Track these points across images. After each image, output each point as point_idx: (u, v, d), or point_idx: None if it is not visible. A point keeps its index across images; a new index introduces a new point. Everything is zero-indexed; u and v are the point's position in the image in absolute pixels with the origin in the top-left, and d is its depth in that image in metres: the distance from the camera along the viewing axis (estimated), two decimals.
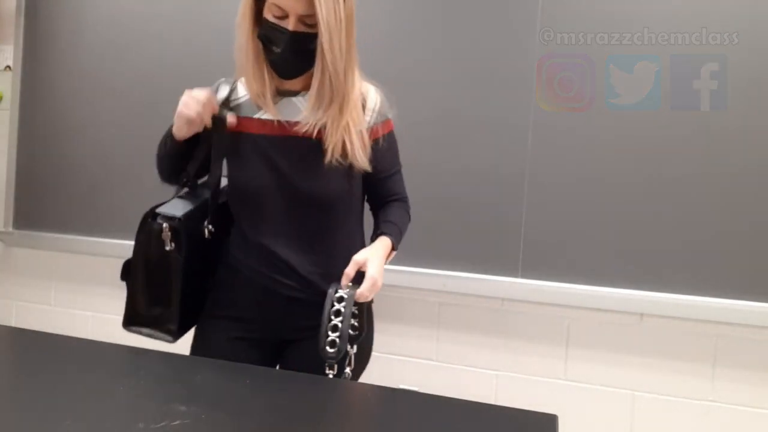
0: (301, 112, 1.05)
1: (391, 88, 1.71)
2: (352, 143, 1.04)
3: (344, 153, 1.04)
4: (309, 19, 0.99)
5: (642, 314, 1.56)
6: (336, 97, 1.03)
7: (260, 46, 1.04)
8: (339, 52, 1.00)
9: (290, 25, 0.99)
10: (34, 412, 0.62)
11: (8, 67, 2.12)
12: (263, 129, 1.08)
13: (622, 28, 1.52)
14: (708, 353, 1.53)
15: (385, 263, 1.05)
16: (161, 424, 0.61)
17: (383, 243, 1.07)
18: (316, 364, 0.91)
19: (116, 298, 2.05)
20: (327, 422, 0.67)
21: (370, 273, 0.97)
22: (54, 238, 2.04)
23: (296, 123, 1.05)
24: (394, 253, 1.10)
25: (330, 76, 1.01)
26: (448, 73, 1.65)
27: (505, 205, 1.61)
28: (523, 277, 1.60)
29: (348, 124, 1.05)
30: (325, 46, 0.98)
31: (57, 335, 0.95)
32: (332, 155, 1.03)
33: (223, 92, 1.14)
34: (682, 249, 1.49)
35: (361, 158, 1.05)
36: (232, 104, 1.12)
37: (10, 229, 2.11)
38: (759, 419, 1.50)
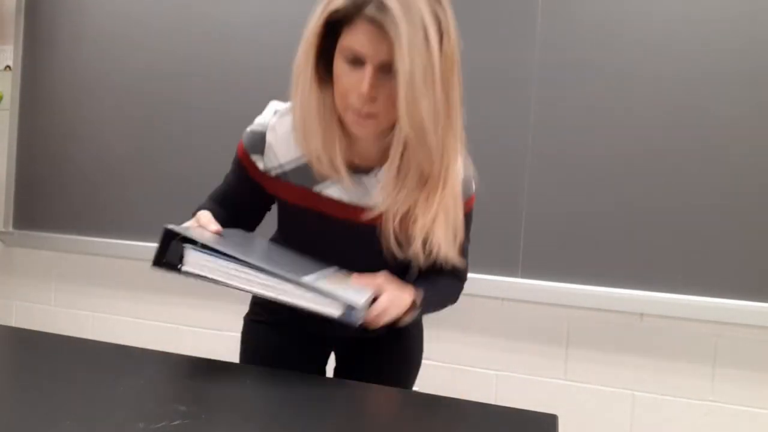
0: (374, 193, 0.83)
1: None
2: (439, 243, 0.81)
3: (428, 252, 0.82)
4: (389, 65, 0.75)
5: (642, 314, 1.56)
6: (422, 177, 0.79)
7: (331, 101, 0.82)
8: (429, 114, 0.74)
9: (366, 77, 0.74)
10: (34, 412, 0.62)
11: (8, 67, 2.12)
12: (323, 206, 0.88)
13: (622, 33, 1.52)
14: (708, 353, 1.53)
15: (398, 315, 0.82)
16: (161, 424, 0.61)
17: (408, 289, 0.85)
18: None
19: (116, 298, 2.07)
20: (327, 422, 0.67)
21: (383, 301, 0.79)
22: (54, 238, 2.04)
23: (366, 207, 0.84)
24: (412, 314, 0.85)
25: (413, 148, 0.77)
26: None
27: (505, 205, 1.61)
28: (523, 277, 1.60)
29: (438, 215, 0.81)
30: (406, 107, 0.73)
31: (57, 335, 0.95)
32: (409, 251, 0.82)
33: (279, 147, 0.90)
34: (682, 249, 1.49)
35: (450, 256, 0.84)
36: (286, 167, 0.89)
37: (10, 229, 2.11)
38: (759, 419, 1.50)
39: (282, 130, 0.91)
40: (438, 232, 0.81)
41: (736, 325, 1.49)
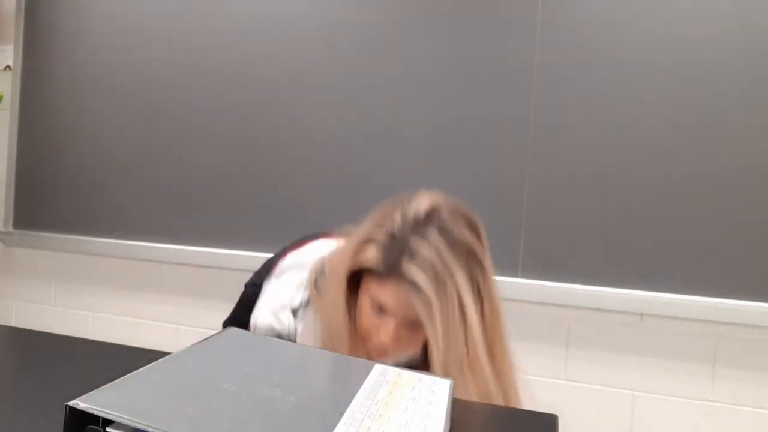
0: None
1: (390, 90, 1.72)
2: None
3: None
4: (417, 324, 0.72)
5: (642, 314, 1.56)
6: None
7: (355, 323, 0.80)
8: (477, 392, 0.71)
9: (389, 332, 0.73)
10: (33, 412, 0.62)
11: (8, 67, 2.12)
12: None
13: (622, 32, 1.52)
14: (708, 353, 1.53)
15: None
16: None
17: None
18: None
19: (116, 298, 2.06)
20: None
21: None
22: (54, 238, 2.04)
23: None
24: None
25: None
26: (448, 74, 1.65)
27: (505, 205, 1.61)
28: (523, 277, 1.60)
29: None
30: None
31: (57, 335, 0.95)
32: None
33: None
34: (682, 249, 1.49)
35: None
36: None
37: (10, 229, 2.11)
38: (759, 419, 1.50)
39: (306, 329, 0.86)
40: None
41: (736, 325, 1.49)
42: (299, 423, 0.50)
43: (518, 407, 0.75)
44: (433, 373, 0.67)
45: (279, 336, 0.86)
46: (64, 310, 2.13)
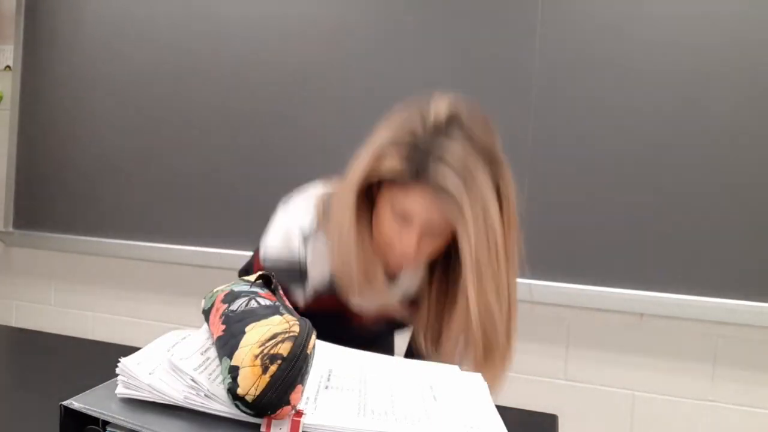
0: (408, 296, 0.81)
1: (390, 89, 1.72)
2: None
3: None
4: (439, 231, 0.73)
5: (642, 314, 1.56)
6: (491, 351, 0.78)
7: (370, 240, 0.79)
8: (494, 293, 0.74)
9: (413, 242, 0.73)
10: (33, 412, 0.62)
11: (8, 67, 2.12)
12: (350, 312, 0.86)
13: (623, 32, 1.52)
14: (708, 353, 1.53)
15: None
16: None
17: None
18: None
19: (116, 298, 2.06)
20: None
21: None
22: (54, 238, 2.04)
23: (394, 310, 0.85)
24: None
25: (482, 334, 0.76)
26: (447, 72, 1.65)
27: None
28: (523, 277, 1.60)
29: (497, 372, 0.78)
30: (476, 296, 0.72)
31: (57, 335, 0.95)
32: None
33: (314, 273, 0.84)
34: (682, 249, 1.49)
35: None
36: (320, 288, 0.86)
37: (10, 229, 2.11)
38: (759, 419, 1.50)
39: (316, 257, 0.85)
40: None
41: (736, 325, 1.49)
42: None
43: (514, 326, 0.80)
44: (464, 273, 0.70)
45: (289, 267, 0.84)
46: (64, 309, 2.13)
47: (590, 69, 1.55)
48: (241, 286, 0.65)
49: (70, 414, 0.53)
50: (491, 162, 0.73)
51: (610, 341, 1.59)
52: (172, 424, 0.50)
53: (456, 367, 0.70)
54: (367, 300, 0.82)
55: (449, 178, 0.69)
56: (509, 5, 1.60)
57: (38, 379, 0.73)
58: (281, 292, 0.68)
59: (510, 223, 0.76)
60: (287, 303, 0.65)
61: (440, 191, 0.70)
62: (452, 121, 0.74)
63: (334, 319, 0.84)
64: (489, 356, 0.77)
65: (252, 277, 0.69)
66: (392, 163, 0.73)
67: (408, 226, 0.73)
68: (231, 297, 0.62)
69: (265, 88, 1.82)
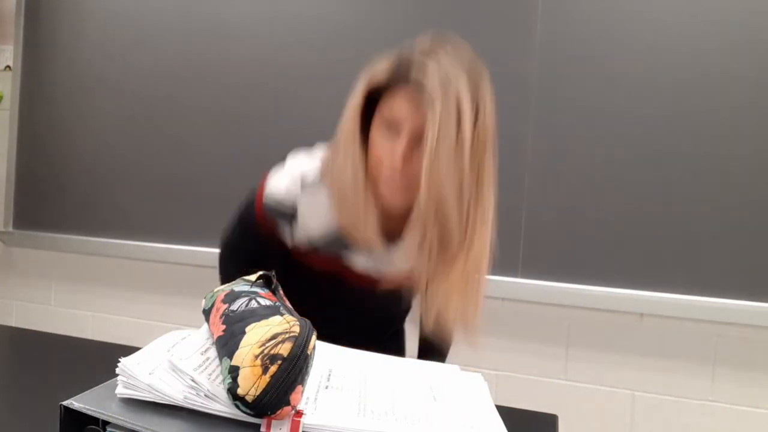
0: (397, 262, 0.83)
1: None
2: (450, 317, 0.80)
3: (437, 323, 0.81)
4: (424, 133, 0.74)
5: (642, 314, 1.56)
6: (444, 249, 0.77)
7: (366, 174, 0.80)
8: (452, 187, 0.73)
9: (400, 146, 0.74)
10: (33, 412, 0.62)
11: (8, 67, 2.12)
12: (347, 273, 0.88)
13: (623, 32, 1.52)
14: (708, 353, 1.53)
15: None
16: None
17: None
18: None
19: (116, 298, 2.06)
20: None
21: None
22: (54, 238, 2.04)
23: (388, 275, 0.85)
24: None
25: (434, 219, 0.74)
26: None
27: (505, 205, 1.61)
28: (523, 277, 1.60)
29: (454, 289, 0.80)
30: (428, 176, 0.71)
31: (57, 335, 0.95)
32: (427, 319, 0.81)
33: (311, 220, 0.87)
34: (682, 249, 1.49)
35: (454, 331, 0.85)
36: (318, 241, 0.87)
37: (10, 229, 2.11)
38: (759, 419, 1.50)
39: (314, 202, 0.88)
40: (452, 306, 0.80)
41: (736, 325, 1.49)
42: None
43: (478, 235, 0.78)
44: (423, 163, 0.71)
45: (281, 207, 0.88)
46: (64, 309, 2.13)
47: (590, 69, 1.55)
48: (241, 286, 0.65)
49: (70, 414, 0.53)
50: (472, 74, 0.77)
51: (610, 341, 1.59)
52: (172, 424, 0.50)
53: (456, 367, 0.71)
54: (365, 249, 0.84)
55: (429, 75, 0.73)
56: (509, 6, 1.60)
57: (38, 379, 0.73)
58: (281, 292, 0.68)
59: (482, 133, 0.76)
60: (287, 303, 0.65)
61: (421, 88, 0.73)
62: (437, 41, 0.80)
63: (332, 280, 0.87)
64: (443, 249, 0.77)
65: (252, 277, 0.69)
66: (381, 70, 0.79)
67: (397, 136, 0.76)
68: (231, 297, 0.62)
69: (265, 88, 1.82)
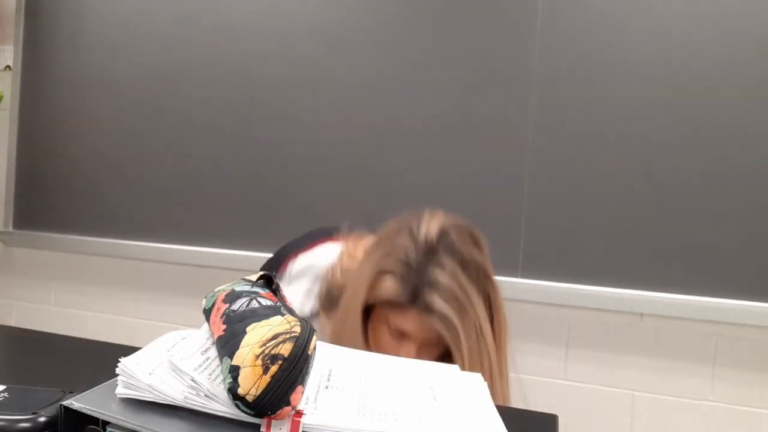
0: None
1: (390, 90, 1.72)
2: None
3: None
4: (437, 343, 0.77)
5: (642, 314, 1.56)
6: None
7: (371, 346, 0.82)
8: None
9: (410, 353, 0.77)
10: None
11: (8, 67, 2.12)
12: None
13: (624, 33, 1.52)
14: (708, 353, 1.53)
15: None
16: None
17: None
18: None
19: (116, 298, 2.06)
20: None
21: None
22: (54, 238, 2.04)
23: None
24: None
25: None
26: (447, 73, 1.65)
27: (505, 205, 1.61)
28: (523, 277, 1.60)
29: None
30: None
31: (57, 335, 0.95)
32: None
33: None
34: (682, 249, 1.49)
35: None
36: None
37: (10, 229, 2.11)
38: (759, 419, 1.50)
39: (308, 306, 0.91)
40: None
41: (736, 325, 1.49)
42: None
43: (508, 401, 0.82)
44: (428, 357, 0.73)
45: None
46: (64, 309, 2.13)
47: (590, 69, 1.55)
48: (242, 286, 0.65)
49: (70, 414, 0.53)
50: (482, 280, 0.78)
51: (610, 341, 1.59)
52: (172, 424, 0.50)
53: (456, 367, 0.71)
54: None
55: (443, 304, 0.74)
56: (510, 6, 1.61)
57: (38, 380, 0.73)
58: (282, 292, 0.68)
59: (500, 331, 0.81)
60: (288, 303, 0.65)
61: (435, 315, 0.74)
62: (441, 242, 0.79)
63: None
64: None
65: (253, 277, 0.69)
66: (389, 286, 0.77)
67: (406, 341, 0.78)
68: (232, 297, 0.62)
69: (265, 88, 1.82)
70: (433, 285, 0.75)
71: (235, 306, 0.59)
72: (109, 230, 1.98)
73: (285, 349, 0.49)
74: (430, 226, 0.81)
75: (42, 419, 0.53)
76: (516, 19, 1.60)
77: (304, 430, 0.49)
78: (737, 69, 1.46)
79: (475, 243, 0.82)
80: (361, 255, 0.87)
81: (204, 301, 0.68)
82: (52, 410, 0.54)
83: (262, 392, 0.47)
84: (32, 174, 2.09)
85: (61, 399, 0.56)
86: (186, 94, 1.89)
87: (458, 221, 0.83)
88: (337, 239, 0.97)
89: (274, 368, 0.47)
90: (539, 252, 1.59)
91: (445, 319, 0.74)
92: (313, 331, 0.53)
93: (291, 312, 0.59)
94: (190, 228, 1.88)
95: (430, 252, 0.77)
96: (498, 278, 1.61)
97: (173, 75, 1.90)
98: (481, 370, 0.73)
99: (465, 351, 0.73)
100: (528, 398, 1.65)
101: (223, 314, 0.59)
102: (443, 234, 0.80)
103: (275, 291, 0.67)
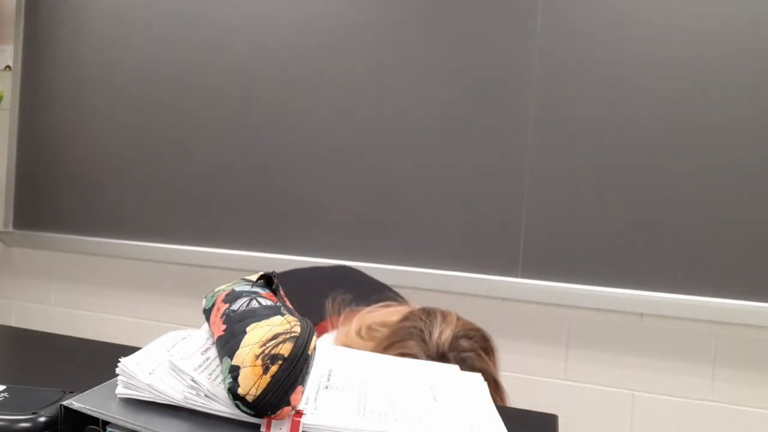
0: None
1: (390, 90, 1.72)
2: None
3: None
4: None
5: (642, 314, 1.56)
6: None
7: None
8: None
9: None
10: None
11: (8, 67, 2.12)
12: None
13: (624, 33, 1.52)
14: (708, 353, 1.53)
15: None
16: None
17: None
18: None
19: (116, 298, 2.06)
20: None
21: None
22: (54, 238, 2.04)
23: None
24: None
25: None
26: (448, 73, 1.65)
27: (505, 205, 1.61)
28: (523, 277, 1.60)
29: None
30: None
31: (57, 335, 0.95)
32: None
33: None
34: (682, 249, 1.49)
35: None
36: None
37: (10, 229, 2.11)
38: (759, 419, 1.50)
39: None
40: None
41: (736, 325, 1.49)
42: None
43: None
44: None
45: None
46: (64, 310, 2.13)
47: (590, 69, 1.55)
48: (242, 286, 0.65)
49: (69, 414, 0.53)
50: (492, 391, 0.78)
51: (610, 341, 1.59)
52: (172, 424, 0.50)
53: (456, 367, 0.71)
54: None
55: None
56: (509, 6, 1.61)
57: (38, 380, 0.73)
58: (282, 292, 0.68)
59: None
60: (288, 304, 0.65)
61: None
62: (453, 350, 0.79)
63: None
64: None
65: (253, 277, 0.69)
66: None
67: None
68: (232, 297, 0.62)
69: (266, 88, 1.82)
70: None
71: (235, 306, 0.59)
72: (109, 230, 1.98)
73: (285, 349, 0.49)
74: (443, 333, 0.81)
75: (42, 419, 0.53)
76: (516, 19, 1.60)
77: (304, 430, 0.49)
78: (737, 69, 1.46)
79: (486, 351, 0.82)
80: (355, 342, 0.86)
81: (204, 301, 0.68)
82: (52, 410, 0.54)
83: (262, 392, 0.47)
84: (32, 174, 2.09)
85: (61, 399, 0.56)
86: (186, 93, 1.89)
87: (470, 327, 0.83)
88: (325, 326, 0.95)
89: (274, 368, 0.47)
90: (539, 252, 1.59)
91: None
92: (314, 331, 0.53)
93: (291, 312, 0.59)
94: (190, 228, 1.88)
95: (442, 360, 0.78)
96: (498, 278, 1.62)
97: (173, 75, 1.90)
98: None
99: None
100: (528, 398, 1.66)
101: (223, 314, 0.59)
102: (455, 344, 0.80)
103: (275, 291, 0.67)
